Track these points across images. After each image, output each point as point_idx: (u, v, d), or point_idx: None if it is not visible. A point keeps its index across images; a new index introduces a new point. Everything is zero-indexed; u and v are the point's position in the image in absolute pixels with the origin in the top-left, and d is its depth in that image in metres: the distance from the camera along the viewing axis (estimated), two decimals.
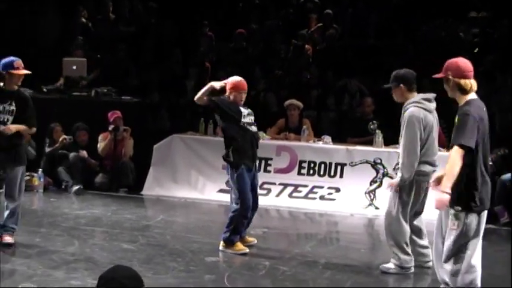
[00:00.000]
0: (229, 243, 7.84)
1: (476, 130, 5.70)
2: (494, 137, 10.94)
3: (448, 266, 5.98)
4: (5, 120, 7.67)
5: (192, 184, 11.15)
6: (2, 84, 7.74)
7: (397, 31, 14.42)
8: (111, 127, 11.32)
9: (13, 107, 7.69)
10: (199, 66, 14.21)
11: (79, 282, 6.55)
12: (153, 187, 11.26)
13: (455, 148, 5.69)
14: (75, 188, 11.03)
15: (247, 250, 7.87)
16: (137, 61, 14.50)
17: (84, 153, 11.32)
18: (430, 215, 7.14)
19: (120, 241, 8.25)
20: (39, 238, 8.19)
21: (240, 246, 7.87)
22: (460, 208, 5.79)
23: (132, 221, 9.40)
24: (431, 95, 7.21)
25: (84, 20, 15.42)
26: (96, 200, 10.71)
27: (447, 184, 5.68)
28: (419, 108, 7.07)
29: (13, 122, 7.67)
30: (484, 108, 5.96)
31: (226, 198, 10.71)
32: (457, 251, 5.89)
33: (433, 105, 7.19)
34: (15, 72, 7.63)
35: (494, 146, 10.31)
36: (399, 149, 7.23)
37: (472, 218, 5.81)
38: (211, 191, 10.96)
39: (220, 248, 7.88)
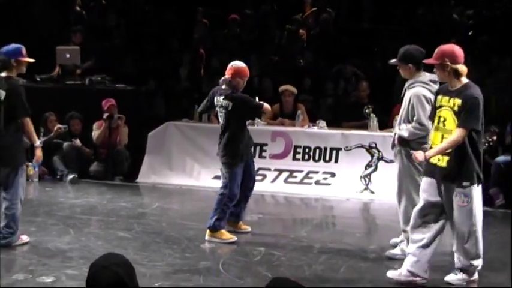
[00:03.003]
0: (214, 229, 7.76)
1: (482, 112, 6.20)
2: (490, 119, 11.02)
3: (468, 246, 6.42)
4: None
5: (188, 171, 11.15)
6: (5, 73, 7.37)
7: (392, 14, 14.39)
8: (105, 115, 11.28)
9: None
10: (193, 53, 14.18)
11: (74, 272, 6.56)
12: (149, 175, 11.26)
13: (464, 130, 6.14)
14: (70, 177, 11.00)
15: (235, 239, 7.79)
16: (132, 49, 14.46)
17: (77, 142, 11.30)
18: None
19: (116, 229, 8.26)
20: (35, 227, 8.18)
21: (226, 234, 7.79)
22: (468, 183, 6.24)
23: (127, 209, 9.40)
24: (437, 77, 7.17)
25: (78, 8, 15.38)
26: (91, 189, 10.70)
27: (434, 153, 6.26)
28: (426, 89, 7.02)
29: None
30: None
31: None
32: (471, 228, 6.34)
33: (437, 87, 7.15)
34: (25, 59, 7.50)
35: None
36: (401, 125, 7.14)
37: (479, 191, 6.33)
38: (207, 177, 10.94)
39: (207, 237, 7.78)
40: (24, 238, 7.53)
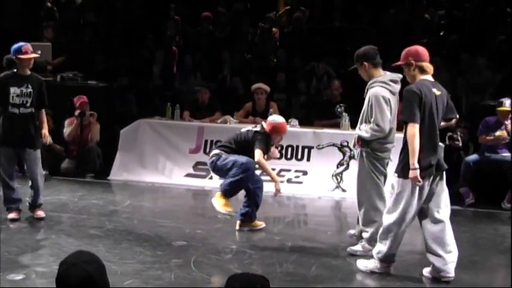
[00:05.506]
0: (224, 195, 7.91)
1: (417, 104, 6.16)
2: (460, 118, 11.10)
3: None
4: (25, 102, 8.18)
5: (160, 169, 11.11)
6: (15, 69, 8.23)
7: (364, 14, 14.46)
8: (77, 112, 11.23)
9: (30, 89, 8.18)
10: (165, 50, 14.14)
11: (45, 269, 6.52)
12: (120, 172, 11.21)
13: (410, 125, 6.18)
14: None
15: (233, 213, 8.11)
16: (104, 46, 14.38)
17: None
18: None
19: (87, 227, 8.21)
20: (5, 225, 8.12)
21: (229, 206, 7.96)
22: (396, 175, 6.37)
23: (99, 207, 9.36)
24: (399, 76, 7.17)
25: (49, 4, 15.27)
26: (62, 186, 10.62)
27: (412, 160, 6.17)
28: (385, 89, 7.05)
29: (30, 104, 8.20)
30: (433, 88, 6.31)
31: (193, 182, 10.77)
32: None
33: (398, 87, 7.17)
34: (23, 56, 8.12)
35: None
36: (361, 125, 7.18)
37: (408, 184, 6.26)
38: (179, 175, 10.93)
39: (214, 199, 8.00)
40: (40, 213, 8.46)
